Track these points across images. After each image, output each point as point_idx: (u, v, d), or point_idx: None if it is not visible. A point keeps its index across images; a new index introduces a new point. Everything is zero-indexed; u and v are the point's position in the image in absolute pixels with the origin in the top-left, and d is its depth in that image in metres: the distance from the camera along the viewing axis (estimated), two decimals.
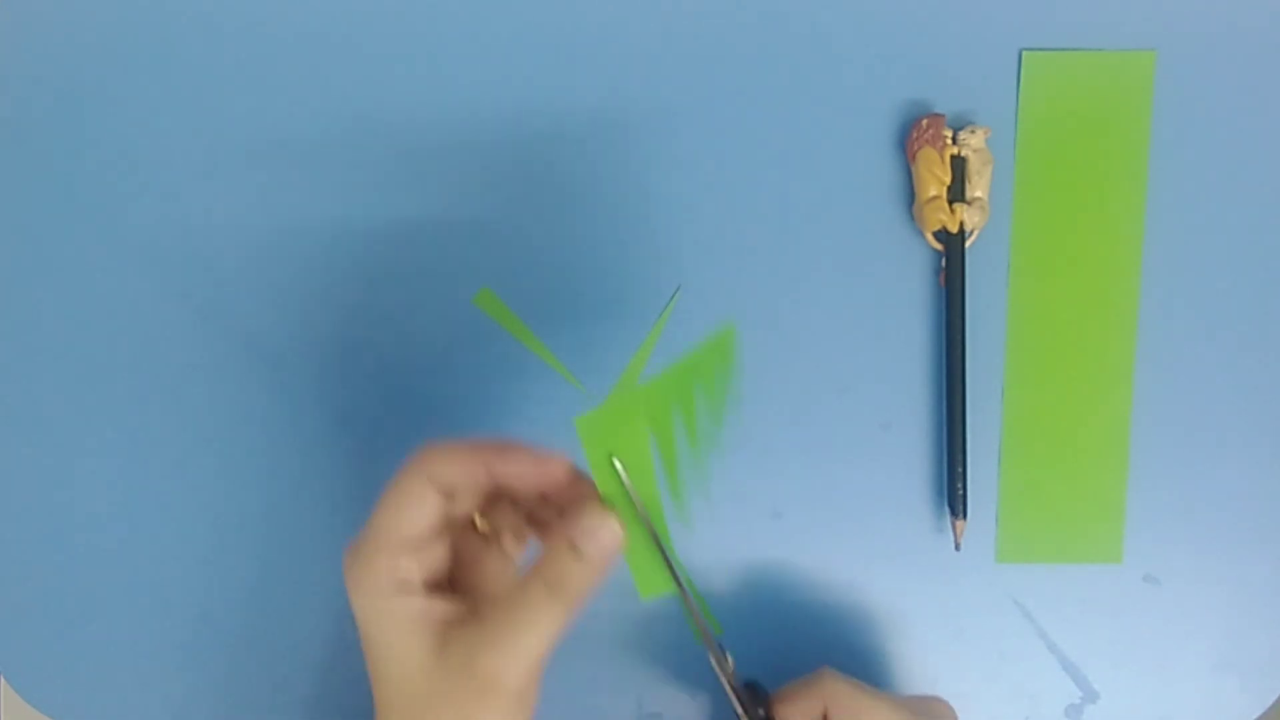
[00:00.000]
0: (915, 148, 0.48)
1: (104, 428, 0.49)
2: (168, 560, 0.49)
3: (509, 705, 0.37)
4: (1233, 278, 0.49)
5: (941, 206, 0.47)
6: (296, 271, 0.49)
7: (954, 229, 0.47)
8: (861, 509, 0.49)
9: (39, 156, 0.49)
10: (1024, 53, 0.49)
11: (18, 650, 0.49)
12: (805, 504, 0.49)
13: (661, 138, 0.49)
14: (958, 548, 0.48)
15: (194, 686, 0.49)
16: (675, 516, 0.40)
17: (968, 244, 0.48)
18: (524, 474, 0.37)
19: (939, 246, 0.48)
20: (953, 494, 0.48)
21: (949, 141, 0.48)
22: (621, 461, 0.37)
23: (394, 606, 0.37)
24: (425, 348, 0.49)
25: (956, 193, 0.48)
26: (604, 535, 0.36)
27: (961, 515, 0.47)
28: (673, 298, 0.49)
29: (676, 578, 0.39)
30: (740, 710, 0.43)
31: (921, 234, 0.48)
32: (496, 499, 0.40)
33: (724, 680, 0.42)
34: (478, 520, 0.41)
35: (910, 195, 0.49)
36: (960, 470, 0.47)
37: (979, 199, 0.48)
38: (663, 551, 0.39)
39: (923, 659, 0.48)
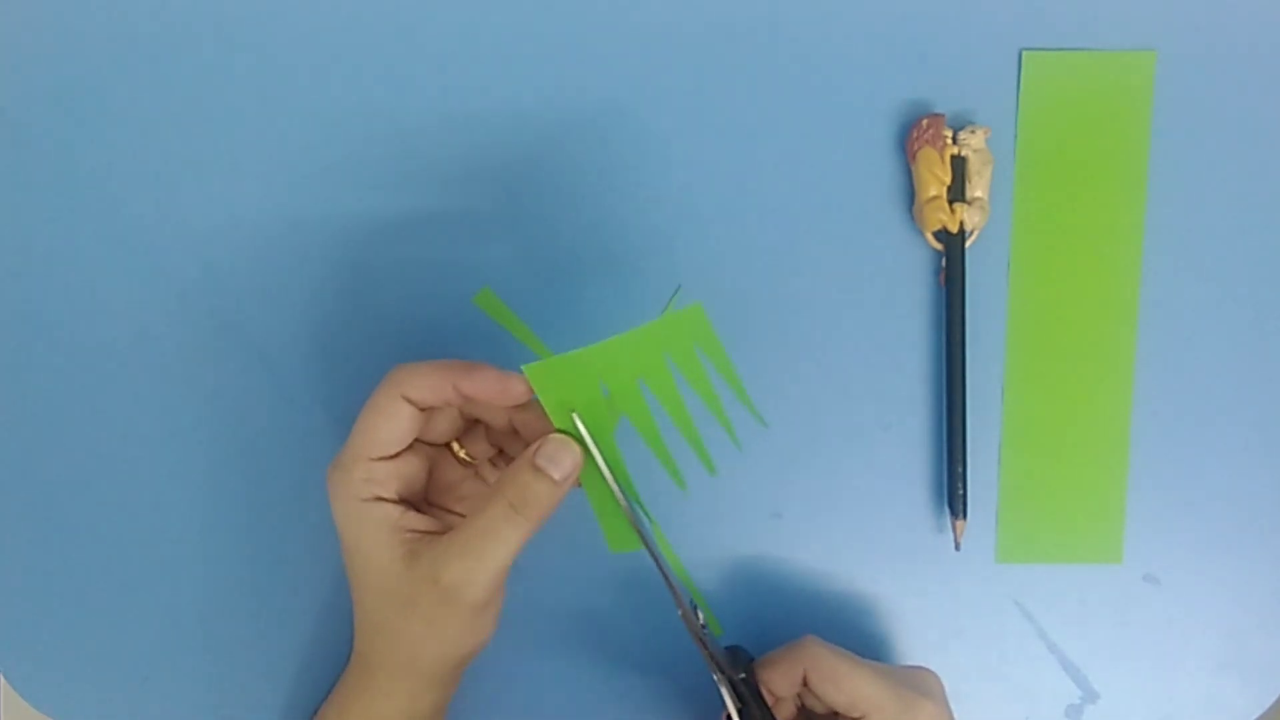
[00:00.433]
0: (915, 148, 0.48)
1: (104, 427, 0.49)
2: (167, 560, 0.49)
3: (472, 614, 0.40)
4: (1233, 278, 0.49)
5: (941, 206, 0.47)
6: (296, 271, 0.49)
7: (954, 229, 0.47)
8: (861, 509, 0.49)
9: (39, 156, 0.49)
10: (1024, 53, 0.49)
11: (18, 650, 0.49)
12: (805, 504, 0.49)
13: (662, 137, 0.49)
14: (958, 548, 0.48)
15: (194, 686, 0.49)
16: (673, 481, 0.41)
17: (968, 244, 0.48)
18: (488, 389, 0.40)
19: (939, 246, 0.48)
20: (953, 494, 0.48)
21: (949, 141, 0.48)
22: (580, 416, 0.39)
23: (369, 511, 0.40)
24: (425, 348, 0.49)
25: (956, 193, 0.48)
26: (564, 457, 0.39)
27: (961, 515, 0.47)
28: (673, 298, 0.49)
29: (641, 534, 0.40)
30: (713, 665, 0.42)
31: (921, 234, 0.48)
32: (472, 427, 0.44)
33: (694, 636, 0.42)
34: (456, 448, 0.44)
35: (910, 195, 0.49)
36: (960, 470, 0.47)
37: (979, 199, 0.48)
38: (627, 502, 0.40)
39: (923, 659, 0.48)
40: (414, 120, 0.49)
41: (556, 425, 0.40)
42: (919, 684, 0.43)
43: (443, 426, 0.43)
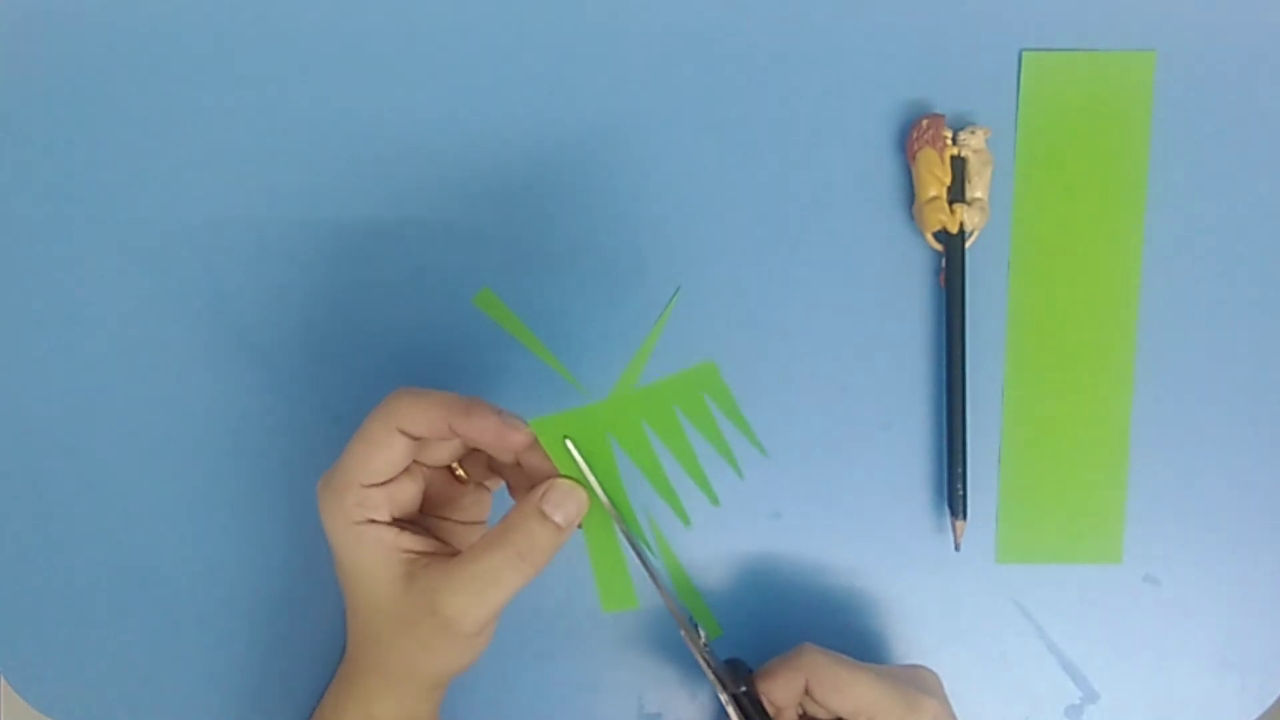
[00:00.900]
0: (915, 148, 0.48)
1: (103, 428, 0.49)
2: (167, 560, 0.49)
3: (466, 642, 0.40)
4: (1233, 278, 0.49)
5: (941, 207, 0.47)
6: (296, 271, 0.49)
7: (954, 229, 0.47)
8: (861, 509, 0.49)
9: (39, 157, 0.49)
10: (1024, 53, 0.49)
11: (18, 650, 0.49)
12: (805, 504, 0.49)
13: (662, 138, 0.49)
14: (958, 548, 0.48)
15: (194, 686, 0.49)
16: (678, 519, 0.42)
17: (968, 244, 0.48)
18: (485, 436, 0.39)
19: (939, 247, 0.48)
20: (953, 494, 0.48)
21: (949, 142, 0.48)
22: (589, 464, 0.39)
23: (363, 533, 0.40)
24: (425, 348, 0.49)
25: (956, 193, 0.48)
26: (570, 504, 0.39)
27: (961, 515, 0.47)
28: (673, 298, 0.49)
29: (644, 561, 0.40)
30: (715, 681, 0.42)
31: (921, 234, 0.48)
32: (474, 452, 0.43)
33: (696, 653, 0.42)
34: (457, 469, 0.43)
35: (910, 195, 0.49)
36: (960, 470, 0.47)
37: (979, 199, 0.48)
38: (632, 541, 0.40)
39: (923, 659, 0.48)
40: (414, 121, 0.49)
41: (562, 472, 0.39)
42: (920, 682, 0.43)
43: (442, 454, 0.42)
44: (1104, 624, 0.49)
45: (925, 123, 0.47)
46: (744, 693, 0.42)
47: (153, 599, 0.49)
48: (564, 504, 0.39)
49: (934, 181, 0.47)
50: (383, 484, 0.40)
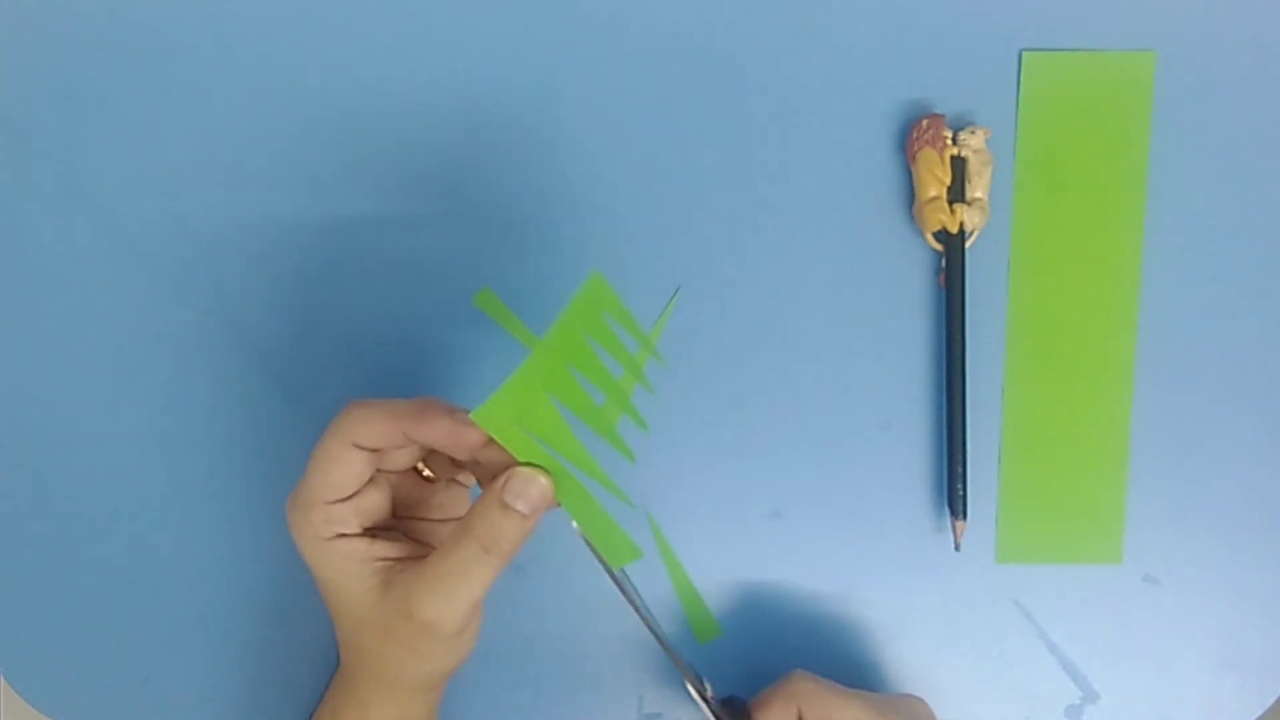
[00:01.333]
0: (915, 148, 0.48)
1: (103, 428, 0.49)
2: (168, 560, 0.49)
3: (449, 642, 0.40)
4: (1233, 278, 0.49)
5: (941, 207, 0.47)
6: (296, 271, 0.49)
7: (954, 229, 0.47)
8: (861, 509, 0.49)
9: (39, 156, 0.49)
10: (1024, 53, 0.49)
11: (18, 650, 0.49)
12: (805, 504, 0.49)
13: (662, 138, 0.49)
14: (958, 548, 0.48)
15: (194, 687, 0.49)
16: (622, 456, 0.41)
17: (968, 244, 0.48)
18: (439, 439, 0.39)
19: (939, 247, 0.48)
20: (953, 494, 0.48)
21: (949, 142, 0.48)
22: (543, 437, 0.38)
23: (334, 548, 0.40)
24: (425, 348, 0.49)
25: (956, 193, 0.48)
26: (532, 490, 0.38)
27: (961, 515, 0.47)
28: (673, 298, 0.49)
29: (620, 585, 0.40)
30: None
31: (921, 234, 0.48)
32: (436, 451, 0.42)
33: (701, 705, 0.43)
34: (420, 467, 0.43)
35: (910, 195, 0.49)
36: (960, 470, 0.47)
37: (979, 199, 0.48)
38: (610, 572, 0.40)
39: (923, 659, 0.48)
40: (415, 121, 0.49)
41: (521, 460, 0.38)
42: (909, 712, 0.44)
43: (402, 459, 0.42)
44: (1104, 624, 0.49)
45: (925, 123, 0.47)
46: None
47: (153, 599, 0.48)
48: (525, 492, 0.38)
49: (934, 181, 0.47)
50: (347, 499, 0.40)
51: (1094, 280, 0.49)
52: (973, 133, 0.48)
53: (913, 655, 0.49)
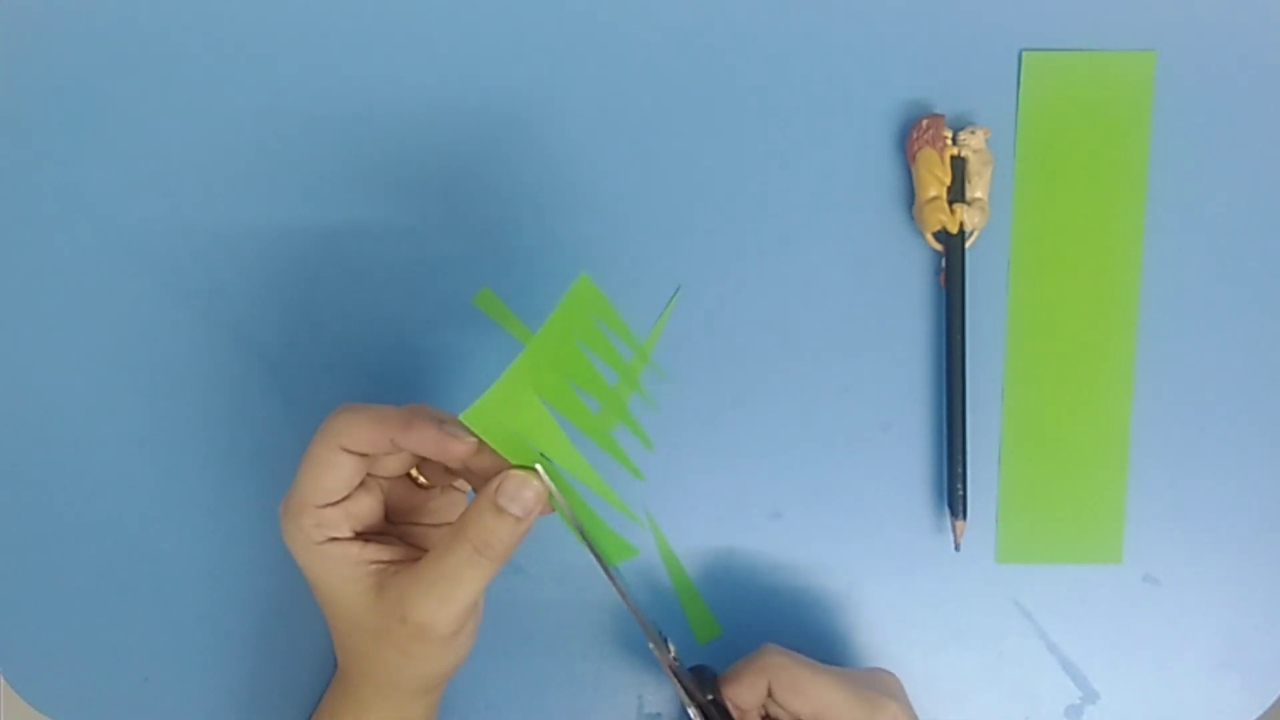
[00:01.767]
0: (915, 148, 0.48)
1: (104, 428, 0.49)
2: (168, 560, 0.49)
3: (444, 644, 0.40)
4: (1233, 277, 0.49)
5: (941, 207, 0.47)
6: (296, 272, 0.49)
7: (954, 229, 0.47)
8: (861, 509, 0.49)
9: (39, 156, 0.49)
10: (1024, 53, 0.49)
11: (18, 650, 0.49)
12: (805, 504, 0.49)
13: (661, 137, 0.49)
14: (958, 548, 0.48)
15: (194, 686, 0.49)
16: (630, 473, 0.41)
17: (968, 244, 0.48)
18: (426, 448, 0.39)
19: (939, 247, 0.48)
20: (953, 494, 0.48)
21: (949, 142, 0.48)
22: (532, 439, 0.38)
23: (326, 552, 0.40)
24: (425, 348, 0.49)
25: (956, 193, 0.48)
26: (525, 493, 0.38)
27: (961, 515, 0.47)
28: (673, 298, 0.49)
29: (605, 568, 0.40)
30: (684, 693, 0.42)
31: (921, 234, 0.48)
32: (429, 459, 0.42)
33: (664, 666, 0.42)
34: (414, 474, 0.43)
35: (910, 195, 0.49)
36: (960, 470, 0.47)
37: (979, 199, 0.48)
38: (591, 546, 0.39)
39: (923, 659, 0.48)
40: (415, 121, 0.49)
41: (512, 462, 0.38)
42: (880, 685, 0.43)
43: (394, 465, 0.42)
44: (1104, 624, 0.49)
45: (925, 123, 0.47)
46: (711, 701, 0.42)
47: (153, 599, 0.49)
48: (519, 495, 0.38)
49: (934, 181, 0.47)
50: (338, 502, 0.40)
51: (1094, 280, 0.49)
52: (973, 133, 0.48)
53: (913, 655, 0.49)
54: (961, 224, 0.47)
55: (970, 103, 0.49)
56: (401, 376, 0.49)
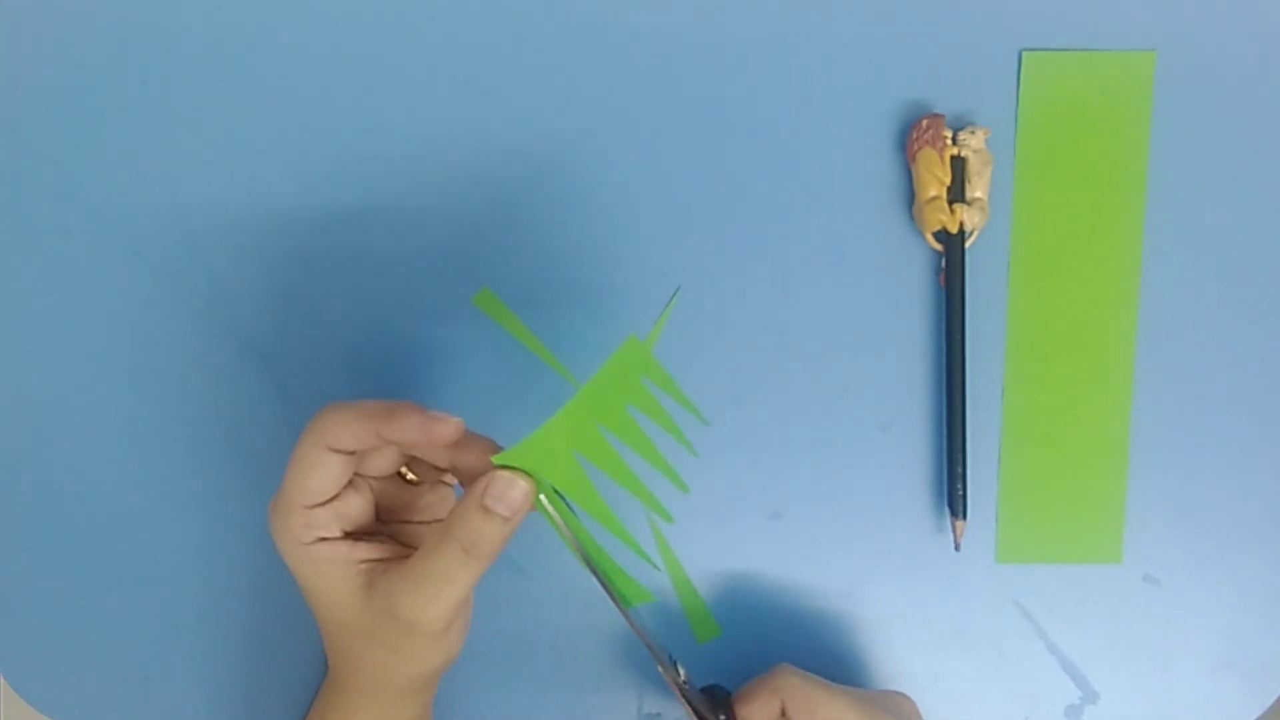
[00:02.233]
0: (915, 148, 0.48)
1: (103, 427, 0.49)
2: (168, 560, 0.49)
3: (434, 642, 0.40)
4: (1233, 277, 0.49)
5: (941, 207, 0.47)
6: (295, 271, 0.49)
7: (954, 229, 0.47)
8: (861, 509, 0.49)
9: (38, 156, 0.49)
10: (1024, 53, 0.49)
11: (18, 650, 0.49)
12: (805, 504, 0.49)
13: (662, 138, 0.49)
14: (958, 548, 0.48)
15: (193, 687, 0.49)
16: (659, 517, 0.41)
17: (968, 244, 0.48)
18: (411, 434, 0.38)
19: (939, 247, 0.48)
20: (953, 494, 0.48)
21: (949, 142, 0.48)
22: (566, 491, 0.38)
23: (316, 552, 0.40)
24: (425, 348, 0.49)
25: (956, 193, 0.48)
26: (512, 494, 0.38)
27: (961, 515, 0.47)
28: (673, 298, 0.49)
29: (613, 598, 0.40)
30: (693, 717, 0.42)
31: (921, 234, 0.48)
32: (417, 457, 0.42)
33: (674, 688, 0.42)
34: (404, 471, 0.43)
35: (910, 195, 0.49)
36: (960, 470, 0.47)
37: (979, 199, 0.48)
38: (598, 575, 0.39)
39: (923, 659, 0.48)
40: (415, 120, 0.49)
41: (539, 508, 0.39)
42: (896, 708, 0.43)
43: (383, 463, 0.42)
44: (1104, 624, 0.49)
45: (925, 123, 0.47)
46: None
47: (152, 600, 0.49)
48: (505, 495, 0.38)
49: (934, 181, 0.47)
50: (326, 502, 0.40)
51: (1094, 280, 0.49)
52: (973, 133, 0.48)
53: (913, 655, 0.49)
54: (961, 224, 0.47)
55: (970, 103, 0.49)
56: (401, 376, 0.49)
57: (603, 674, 0.49)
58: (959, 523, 0.48)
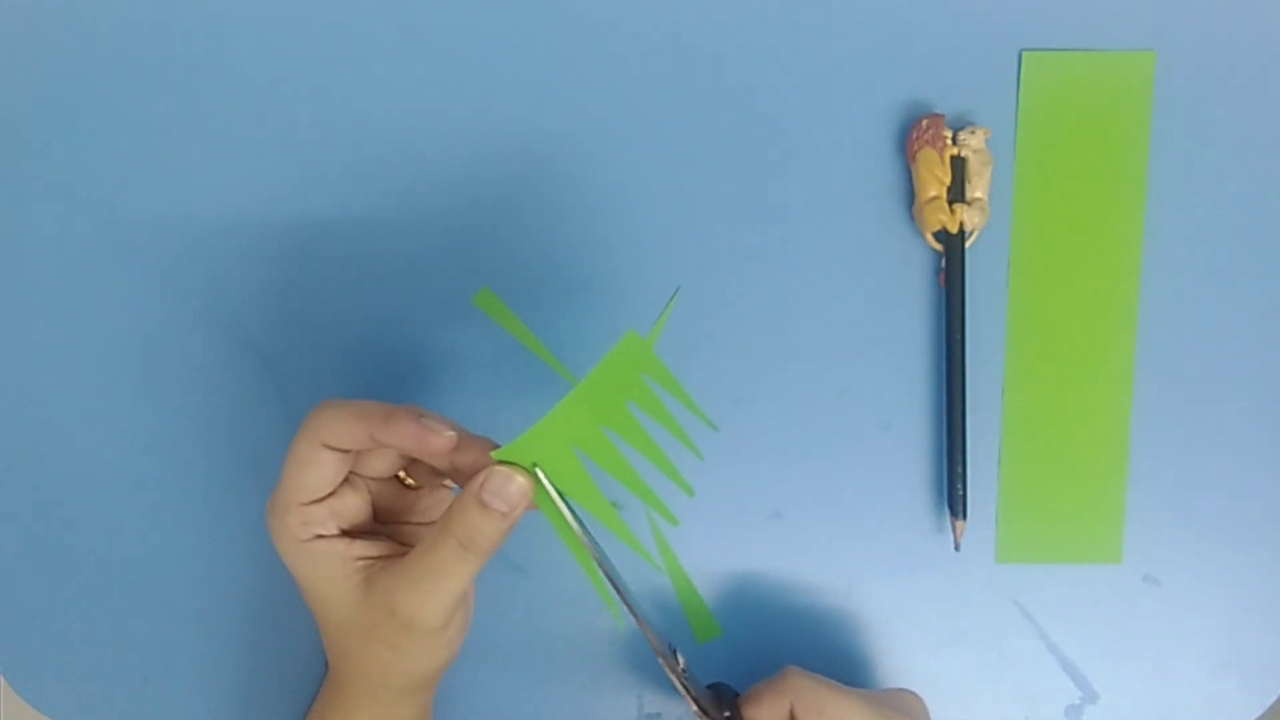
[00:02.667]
0: (915, 148, 0.48)
1: (104, 428, 0.49)
2: (168, 560, 0.49)
3: (432, 639, 0.40)
4: (1233, 278, 0.49)
5: (941, 207, 0.47)
6: (296, 271, 0.49)
7: (954, 229, 0.47)
8: (861, 509, 0.49)
9: (39, 157, 0.49)
10: (1024, 53, 0.49)
11: (18, 650, 0.49)
12: (805, 504, 0.49)
13: (662, 138, 0.49)
14: (958, 548, 0.48)
15: (194, 686, 0.49)
16: (662, 519, 0.41)
17: (968, 244, 0.48)
18: (405, 442, 0.38)
19: (939, 247, 0.48)
20: (953, 494, 0.48)
21: (949, 142, 0.48)
22: (563, 488, 0.38)
23: (313, 549, 0.40)
24: (425, 348, 0.49)
25: (956, 193, 0.48)
26: (510, 490, 0.38)
27: (961, 515, 0.47)
28: (673, 298, 0.49)
29: (617, 588, 0.40)
30: (698, 711, 0.42)
31: (921, 234, 0.48)
32: (417, 461, 0.42)
33: (676, 682, 0.42)
34: (402, 475, 0.43)
35: (910, 195, 0.49)
36: (960, 470, 0.47)
37: (979, 199, 0.48)
38: (602, 567, 0.39)
39: (923, 659, 0.48)
40: (415, 120, 0.49)
41: (540, 506, 0.38)
42: (905, 707, 0.43)
43: (381, 465, 0.42)
44: (1104, 624, 0.49)
45: (925, 123, 0.47)
46: (728, 719, 0.42)
47: (152, 599, 0.49)
48: (503, 491, 0.37)
49: (934, 181, 0.47)
50: (323, 499, 0.40)
51: (1094, 280, 0.49)
52: (973, 133, 0.48)
53: (913, 655, 0.49)
54: (961, 224, 0.48)
55: (970, 103, 0.49)
56: (400, 376, 0.49)
57: (603, 674, 0.49)
58: (959, 523, 0.48)
